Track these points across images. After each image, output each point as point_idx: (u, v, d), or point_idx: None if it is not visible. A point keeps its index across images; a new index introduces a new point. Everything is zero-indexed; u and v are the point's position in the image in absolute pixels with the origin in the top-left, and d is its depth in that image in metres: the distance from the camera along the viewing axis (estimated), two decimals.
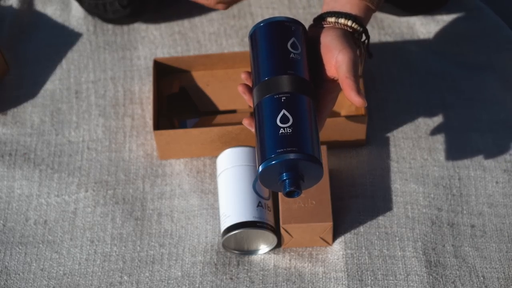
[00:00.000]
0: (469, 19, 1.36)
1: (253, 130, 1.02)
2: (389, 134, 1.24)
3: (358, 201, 1.18)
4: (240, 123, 1.22)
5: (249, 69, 1.28)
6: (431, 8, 1.36)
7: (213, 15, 1.39)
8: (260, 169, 0.96)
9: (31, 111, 1.30)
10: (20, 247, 1.18)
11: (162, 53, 1.35)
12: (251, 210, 1.12)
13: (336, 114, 1.23)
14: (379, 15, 1.36)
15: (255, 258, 1.15)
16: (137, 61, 1.35)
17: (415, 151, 1.22)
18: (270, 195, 1.15)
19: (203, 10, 1.40)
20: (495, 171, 1.20)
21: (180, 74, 1.29)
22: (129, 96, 1.31)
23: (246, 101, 1.25)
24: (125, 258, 1.16)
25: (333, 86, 1.02)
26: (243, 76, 1.05)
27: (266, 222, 1.12)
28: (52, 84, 1.33)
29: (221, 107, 1.26)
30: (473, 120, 1.25)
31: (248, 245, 1.14)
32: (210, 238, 1.17)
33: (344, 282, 1.11)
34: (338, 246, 1.14)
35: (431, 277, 1.11)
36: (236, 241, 1.13)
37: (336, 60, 1.00)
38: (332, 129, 1.20)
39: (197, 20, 1.38)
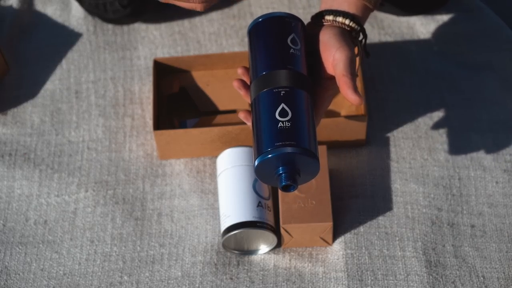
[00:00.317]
0: (469, 19, 1.36)
1: (248, 123, 1.02)
2: (389, 134, 1.24)
3: (358, 201, 1.18)
4: (241, 123, 1.22)
5: None
6: (431, 8, 1.36)
7: (213, 15, 1.39)
8: (257, 162, 0.95)
9: (31, 111, 1.30)
10: (20, 247, 1.18)
11: (162, 53, 1.35)
12: (251, 210, 1.12)
13: (336, 114, 1.23)
14: (379, 15, 1.36)
15: (255, 258, 1.15)
16: (137, 61, 1.35)
17: (415, 151, 1.22)
18: (270, 195, 1.15)
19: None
20: (495, 171, 1.20)
21: (180, 74, 1.29)
22: (129, 96, 1.31)
23: (244, 99, 1.25)
24: (125, 258, 1.16)
25: (331, 84, 1.02)
26: (240, 71, 1.05)
27: (266, 222, 1.12)
28: (52, 84, 1.33)
29: (221, 107, 1.26)
30: (473, 120, 1.25)
31: (248, 245, 1.14)
32: (210, 238, 1.17)
33: (344, 282, 1.11)
34: (338, 246, 1.14)
35: (431, 277, 1.11)
36: (236, 241, 1.13)
37: (333, 58, 1.00)
38: (332, 129, 1.20)
39: (197, 20, 1.38)
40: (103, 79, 1.33)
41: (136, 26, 1.38)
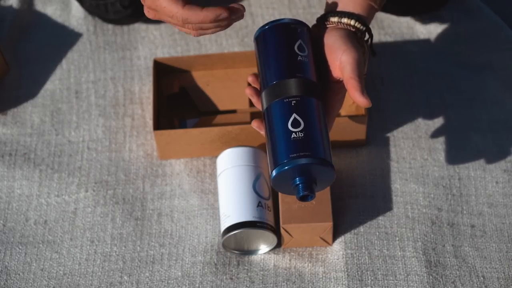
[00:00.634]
0: (469, 19, 1.36)
1: (262, 132, 1.02)
2: (389, 134, 1.24)
3: (358, 201, 1.18)
4: (240, 123, 1.22)
5: (248, 70, 1.28)
6: (431, 8, 1.36)
7: None
8: (274, 174, 0.96)
9: (31, 111, 1.30)
10: (20, 247, 1.18)
11: (162, 53, 1.35)
12: (251, 210, 1.12)
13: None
14: (379, 15, 1.36)
15: (255, 258, 1.15)
16: (137, 61, 1.35)
17: (415, 151, 1.22)
18: (270, 195, 1.15)
19: None
20: (495, 171, 1.20)
21: (180, 74, 1.29)
22: (129, 96, 1.31)
23: (250, 102, 1.25)
24: (125, 258, 1.16)
25: (339, 87, 1.02)
26: (250, 79, 1.04)
27: (266, 222, 1.12)
28: (52, 84, 1.33)
29: (221, 107, 1.26)
30: (473, 120, 1.25)
31: (248, 245, 1.14)
32: (210, 238, 1.17)
33: (344, 282, 1.11)
34: (338, 246, 1.14)
35: (431, 277, 1.11)
36: (236, 241, 1.13)
37: (340, 60, 1.00)
38: (332, 129, 1.20)
39: None
40: (103, 79, 1.33)
41: (136, 26, 1.38)
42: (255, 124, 1.02)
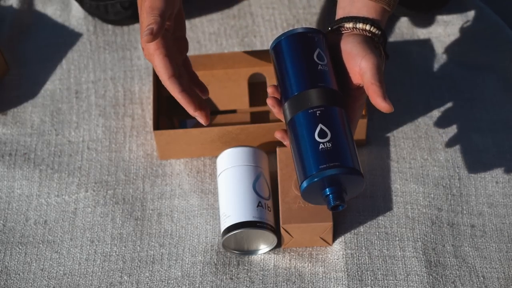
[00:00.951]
0: (469, 19, 1.36)
1: (285, 143, 1.01)
2: (389, 134, 1.24)
3: (358, 201, 1.18)
4: (240, 123, 1.22)
5: (248, 70, 1.28)
6: (431, 8, 1.36)
7: (213, 15, 1.39)
8: (304, 185, 0.96)
9: (31, 111, 1.30)
10: (20, 247, 1.18)
11: None
12: (251, 210, 1.12)
13: None
14: None
15: (255, 258, 1.15)
16: (137, 61, 1.35)
17: (415, 151, 1.22)
18: (270, 195, 1.15)
19: (203, 10, 1.40)
20: (495, 171, 1.20)
21: None
22: (129, 96, 1.31)
23: (250, 102, 1.25)
24: (125, 258, 1.16)
25: (360, 93, 1.01)
26: (270, 90, 1.03)
27: (266, 222, 1.12)
28: (52, 84, 1.33)
29: (221, 107, 1.26)
30: (473, 120, 1.25)
31: (248, 245, 1.14)
32: (210, 238, 1.17)
33: (344, 282, 1.11)
34: (338, 246, 1.14)
35: (431, 277, 1.11)
36: (236, 241, 1.13)
37: (359, 67, 0.99)
38: None
39: (197, 20, 1.38)
40: (103, 79, 1.33)
41: (136, 26, 1.38)
42: (278, 135, 1.02)
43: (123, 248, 1.17)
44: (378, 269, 1.12)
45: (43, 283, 1.14)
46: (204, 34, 1.37)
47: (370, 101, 1.00)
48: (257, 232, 1.12)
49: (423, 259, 1.13)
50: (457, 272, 1.12)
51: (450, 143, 1.23)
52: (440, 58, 1.32)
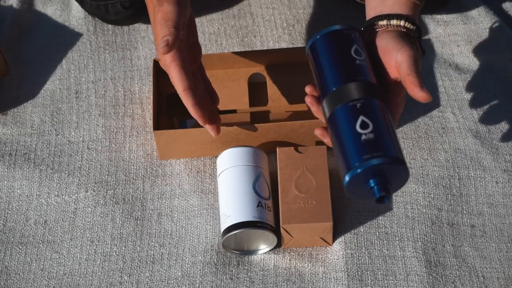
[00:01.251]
0: (469, 19, 1.36)
1: (325, 140, 1.01)
2: None
3: (358, 201, 1.18)
4: (240, 123, 1.22)
5: (248, 70, 1.28)
6: (432, 8, 1.36)
7: (213, 15, 1.39)
8: (347, 178, 0.94)
9: (31, 111, 1.30)
10: (20, 247, 1.18)
11: None
12: (251, 210, 1.12)
13: None
14: None
15: (255, 258, 1.15)
16: (137, 61, 1.35)
17: (415, 151, 1.22)
18: (270, 195, 1.15)
19: (203, 10, 1.40)
20: (495, 171, 1.20)
21: None
22: (129, 96, 1.31)
23: (250, 102, 1.25)
24: (125, 258, 1.16)
25: (399, 87, 1.01)
26: (308, 89, 1.03)
27: (266, 222, 1.12)
28: (52, 84, 1.33)
29: (221, 107, 1.26)
30: (473, 120, 1.25)
31: (248, 245, 1.14)
32: (210, 238, 1.17)
33: (344, 282, 1.11)
34: (338, 246, 1.14)
35: (431, 277, 1.11)
36: (236, 241, 1.13)
37: (395, 60, 0.99)
38: None
39: (197, 20, 1.38)
40: (103, 79, 1.33)
41: (136, 26, 1.38)
42: (318, 132, 1.02)
43: (123, 248, 1.17)
44: (378, 269, 1.12)
45: (43, 283, 1.14)
46: (204, 34, 1.37)
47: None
48: (257, 232, 1.12)
49: (423, 259, 1.13)
50: (457, 272, 1.12)
51: (450, 143, 1.23)
52: (440, 58, 1.32)
